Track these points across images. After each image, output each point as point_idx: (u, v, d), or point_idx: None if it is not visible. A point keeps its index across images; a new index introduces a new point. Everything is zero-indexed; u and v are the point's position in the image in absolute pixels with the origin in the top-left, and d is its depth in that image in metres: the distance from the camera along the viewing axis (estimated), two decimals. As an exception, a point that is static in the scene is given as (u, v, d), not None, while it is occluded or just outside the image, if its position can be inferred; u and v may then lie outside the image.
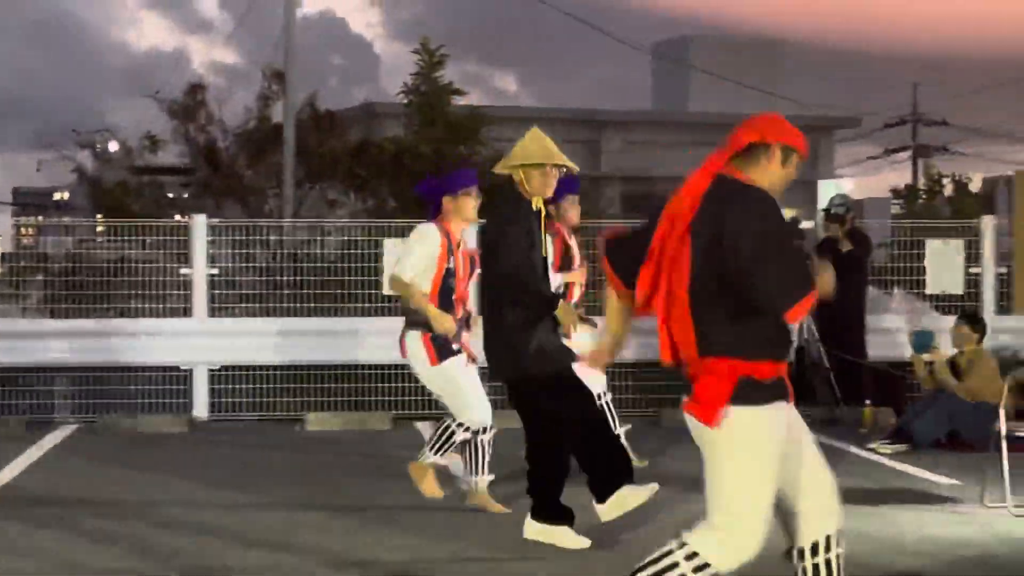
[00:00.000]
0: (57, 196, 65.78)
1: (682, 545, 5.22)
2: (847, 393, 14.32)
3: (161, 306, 15.16)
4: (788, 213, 16.97)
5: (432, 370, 9.37)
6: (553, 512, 8.15)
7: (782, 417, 5.31)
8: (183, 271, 15.00)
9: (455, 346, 9.31)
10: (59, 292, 15.38)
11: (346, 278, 14.94)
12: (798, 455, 5.41)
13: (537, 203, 8.25)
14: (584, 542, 8.05)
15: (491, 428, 9.39)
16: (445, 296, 9.30)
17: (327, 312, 15.06)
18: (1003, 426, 9.56)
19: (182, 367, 14.82)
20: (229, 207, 21.40)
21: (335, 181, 22.01)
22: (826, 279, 5.47)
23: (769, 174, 5.42)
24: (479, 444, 9.37)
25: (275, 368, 14.88)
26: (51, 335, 14.79)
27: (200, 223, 15.00)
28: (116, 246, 16.13)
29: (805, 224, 15.37)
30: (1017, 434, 9.96)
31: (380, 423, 14.19)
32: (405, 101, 20.93)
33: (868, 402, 14.03)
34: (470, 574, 7.71)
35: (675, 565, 5.20)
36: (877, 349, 14.94)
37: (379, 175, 21.13)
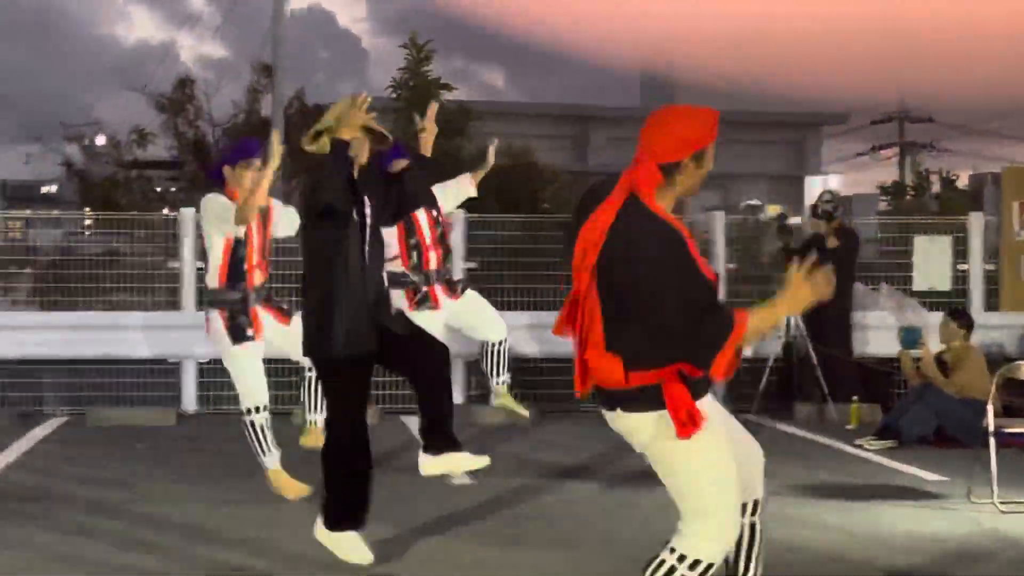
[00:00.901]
0: (45, 189, 65.63)
1: (676, 554, 5.29)
2: (835, 390, 14.35)
3: (150, 299, 15.19)
4: (775, 210, 17.05)
5: (227, 349, 9.50)
6: (337, 517, 7.56)
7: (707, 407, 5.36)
8: (171, 264, 15.02)
9: (250, 331, 9.43)
10: (48, 285, 15.39)
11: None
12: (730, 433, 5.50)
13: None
14: (368, 556, 7.49)
15: (265, 409, 9.56)
16: (236, 267, 9.35)
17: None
18: (991, 422, 9.60)
19: (170, 360, 14.85)
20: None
21: (323, 175, 22.01)
22: (820, 280, 5.25)
23: (686, 184, 5.22)
24: (256, 424, 9.51)
25: (264, 361, 14.86)
26: (40, 328, 14.79)
27: (188, 217, 15.01)
28: (105, 240, 16.14)
29: (792, 220, 15.42)
30: (1005, 430, 10.01)
31: (368, 417, 14.16)
32: (394, 96, 20.93)
33: (855, 399, 14.04)
34: (437, 561, 7.72)
35: (672, 570, 5.27)
36: (864, 345, 14.99)
37: (367, 169, 21.14)
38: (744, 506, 5.48)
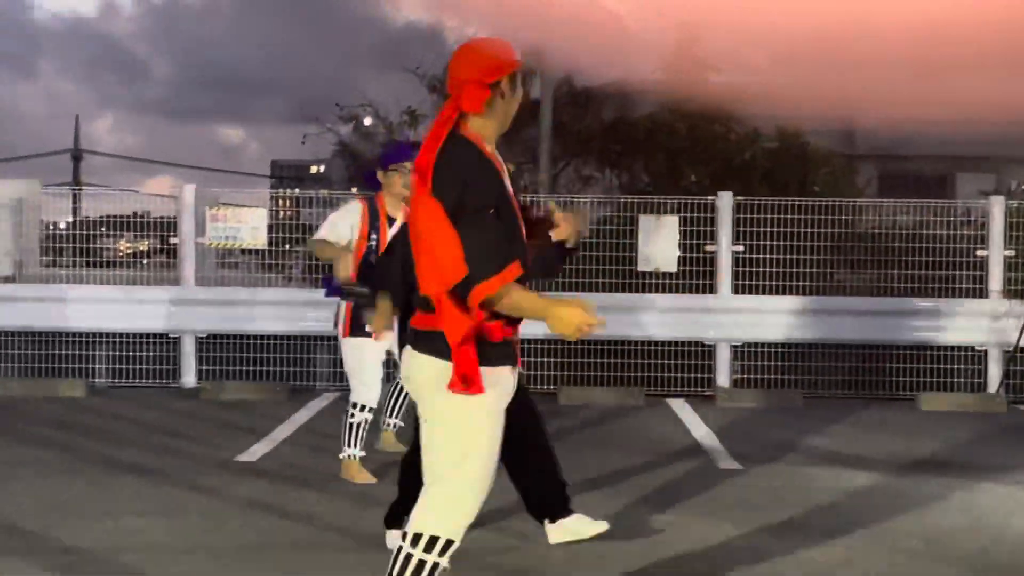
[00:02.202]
0: (313, 169, 67.21)
1: (410, 537, 4.98)
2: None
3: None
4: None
5: (343, 340, 9.54)
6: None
7: (509, 380, 5.06)
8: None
9: (369, 328, 9.28)
10: (320, 263, 15.70)
11: (598, 253, 14.99)
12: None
13: None
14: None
15: (369, 411, 9.58)
16: (366, 264, 9.34)
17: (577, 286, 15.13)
18: None
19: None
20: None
21: (589, 158, 22.07)
22: (584, 314, 4.97)
23: (504, 111, 5.11)
24: (355, 421, 9.58)
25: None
26: (309, 304, 15.14)
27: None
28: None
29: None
30: None
31: (633, 399, 14.21)
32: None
33: None
34: (710, 544, 7.67)
35: (408, 557, 4.97)
36: None
37: (633, 152, 21.13)
38: None
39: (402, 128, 23.43)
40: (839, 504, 8.88)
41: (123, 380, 15.20)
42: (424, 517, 4.98)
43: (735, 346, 15.06)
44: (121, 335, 15.35)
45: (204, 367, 15.18)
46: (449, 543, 4.97)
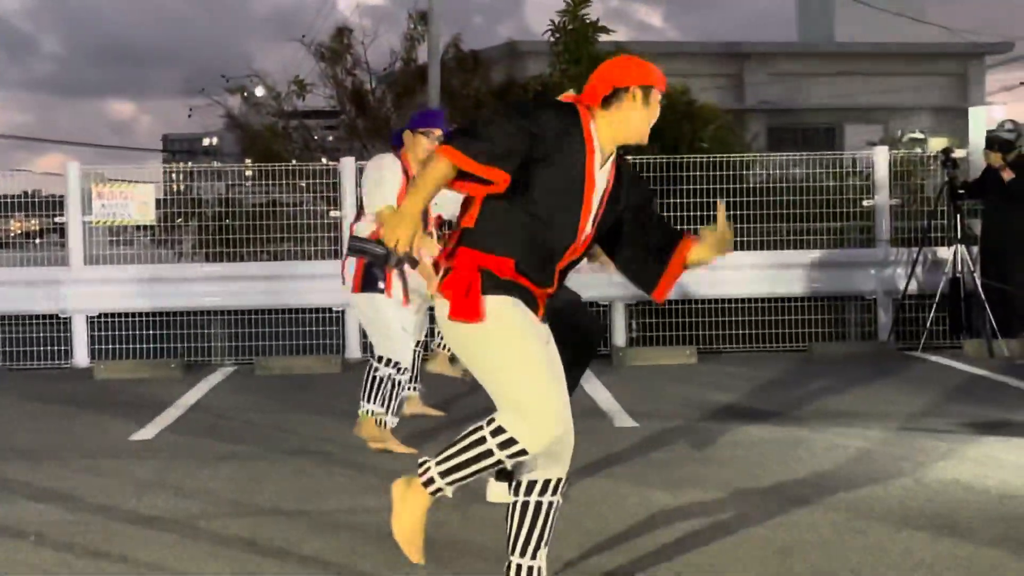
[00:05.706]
0: (206, 142, 66.73)
1: (490, 422, 5.32)
2: (1010, 324, 14.11)
3: (312, 249, 15.38)
4: (940, 143, 16.64)
5: (354, 296, 9.55)
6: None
7: (525, 308, 5.32)
8: (332, 214, 15.16)
9: (380, 284, 9.36)
10: (212, 237, 15.63)
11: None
12: None
13: None
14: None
15: (406, 370, 9.44)
16: None
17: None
18: None
19: (335, 309, 15.03)
20: (376, 149, 21.58)
21: (479, 121, 22.00)
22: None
23: (629, 117, 5.52)
24: (391, 380, 9.35)
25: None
26: (206, 279, 15.07)
27: (349, 166, 15.13)
28: (266, 190, 16.35)
29: (958, 153, 15.10)
30: None
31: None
32: (552, 39, 20.78)
33: (1026, 333, 13.79)
34: (605, 503, 7.72)
35: (482, 439, 5.32)
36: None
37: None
38: (532, 484, 5.42)
39: (291, 98, 23.28)
40: (734, 458, 8.96)
41: (16, 363, 15.02)
42: (513, 423, 5.27)
43: (630, 305, 15.15)
44: (12, 317, 15.17)
45: (97, 346, 15.03)
46: (522, 452, 5.25)
